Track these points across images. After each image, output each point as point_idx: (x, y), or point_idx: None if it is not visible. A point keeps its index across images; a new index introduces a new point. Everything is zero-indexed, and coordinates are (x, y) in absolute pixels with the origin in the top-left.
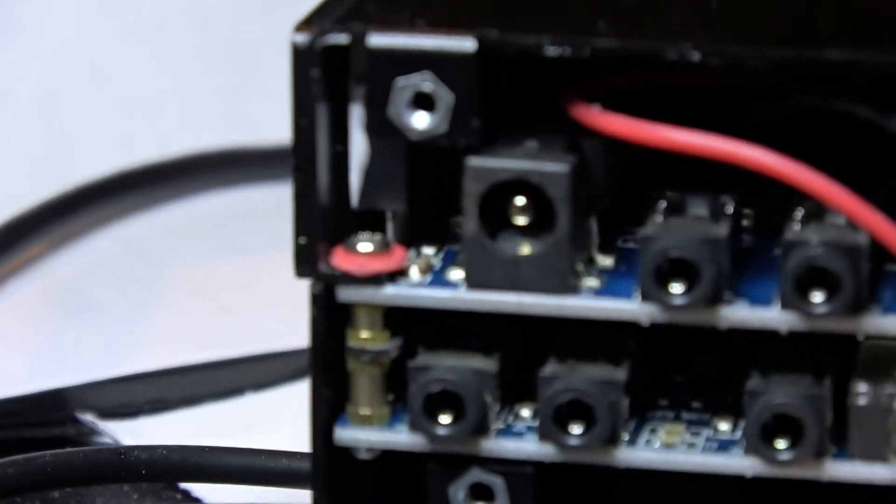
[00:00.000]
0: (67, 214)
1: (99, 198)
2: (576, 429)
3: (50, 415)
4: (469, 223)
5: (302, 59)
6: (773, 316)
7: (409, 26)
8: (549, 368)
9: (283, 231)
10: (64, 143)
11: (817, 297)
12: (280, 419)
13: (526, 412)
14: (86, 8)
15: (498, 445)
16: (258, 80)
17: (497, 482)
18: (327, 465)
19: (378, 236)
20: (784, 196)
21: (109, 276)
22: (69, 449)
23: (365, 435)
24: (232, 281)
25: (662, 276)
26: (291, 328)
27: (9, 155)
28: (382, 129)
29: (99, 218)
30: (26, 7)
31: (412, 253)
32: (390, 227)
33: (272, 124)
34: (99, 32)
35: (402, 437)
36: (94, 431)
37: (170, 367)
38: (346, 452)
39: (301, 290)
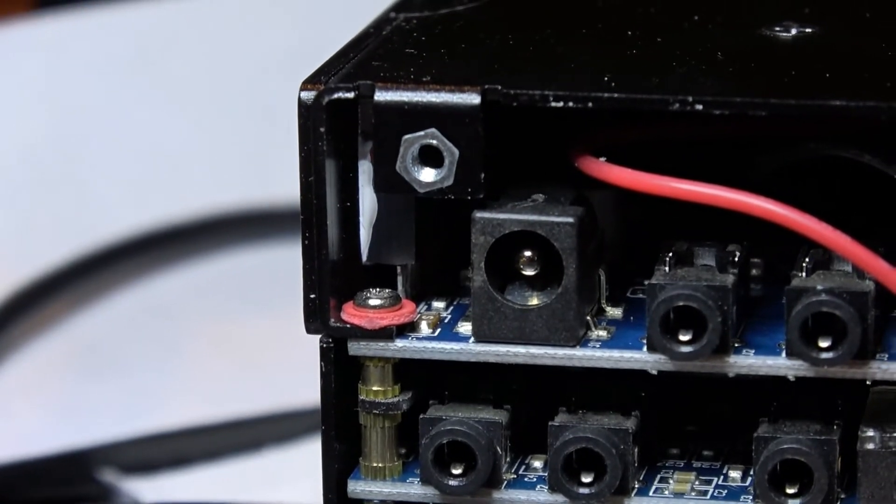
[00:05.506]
0: (89, 274)
1: (121, 258)
2: (586, 478)
3: (71, 473)
4: (477, 276)
5: (309, 115)
6: (780, 363)
7: (415, 82)
8: (559, 418)
9: (301, 289)
10: (86, 202)
11: (824, 344)
12: (299, 474)
13: (537, 463)
14: (110, 67)
15: (509, 496)
16: (278, 139)
17: None
18: None
19: (388, 291)
20: (792, 244)
21: (131, 336)
22: None
23: (377, 487)
24: (251, 339)
25: (669, 326)
26: (310, 385)
27: (32, 215)
28: (390, 183)
29: (120, 277)
30: (51, 65)
31: (422, 306)
32: (400, 282)
33: (292, 184)
34: (122, 91)
35: (414, 490)
36: (114, 489)
37: (190, 424)
38: None
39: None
